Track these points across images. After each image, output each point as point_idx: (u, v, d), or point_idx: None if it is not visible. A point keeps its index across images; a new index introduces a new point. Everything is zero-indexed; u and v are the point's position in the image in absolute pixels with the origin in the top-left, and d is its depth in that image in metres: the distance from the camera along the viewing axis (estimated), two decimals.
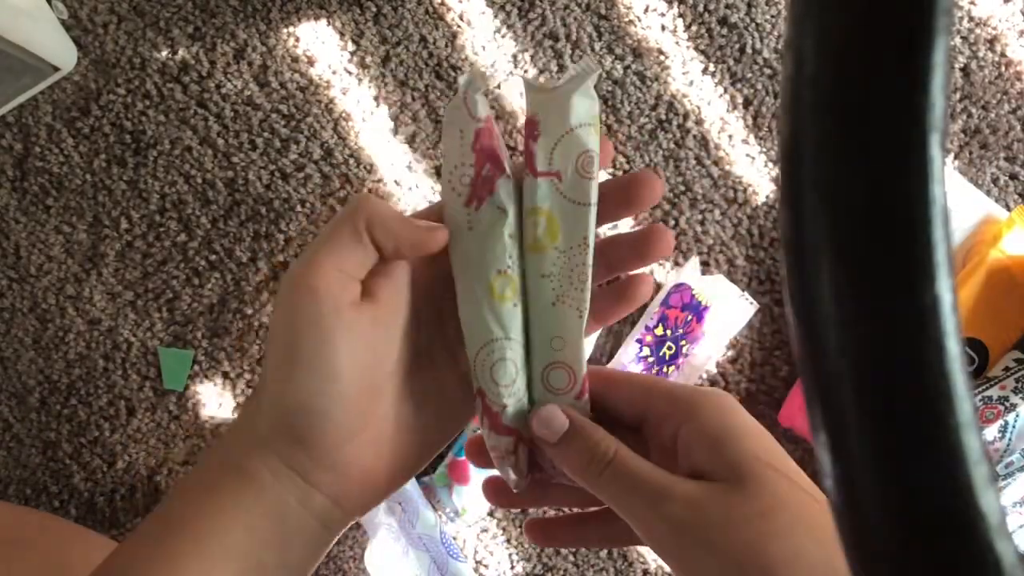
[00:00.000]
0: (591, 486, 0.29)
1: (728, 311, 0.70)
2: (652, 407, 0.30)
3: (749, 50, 0.73)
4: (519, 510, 0.72)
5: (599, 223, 0.30)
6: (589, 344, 0.70)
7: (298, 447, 0.28)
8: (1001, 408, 0.62)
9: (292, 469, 0.28)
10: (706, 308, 0.68)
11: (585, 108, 0.28)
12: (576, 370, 0.30)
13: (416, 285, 0.31)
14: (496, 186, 0.29)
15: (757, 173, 0.73)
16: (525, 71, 0.73)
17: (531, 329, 0.30)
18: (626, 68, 0.73)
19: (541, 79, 0.29)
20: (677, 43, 0.73)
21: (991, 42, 0.73)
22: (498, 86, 0.73)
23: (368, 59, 0.73)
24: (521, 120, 0.73)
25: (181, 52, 0.73)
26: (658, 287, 0.72)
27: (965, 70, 0.73)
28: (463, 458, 0.69)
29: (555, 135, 0.28)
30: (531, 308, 0.30)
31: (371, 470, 0.30)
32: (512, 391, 0.30)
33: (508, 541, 0.73)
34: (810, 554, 0.24)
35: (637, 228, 0.30)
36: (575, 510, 0.34)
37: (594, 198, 0.29)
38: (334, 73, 0.73)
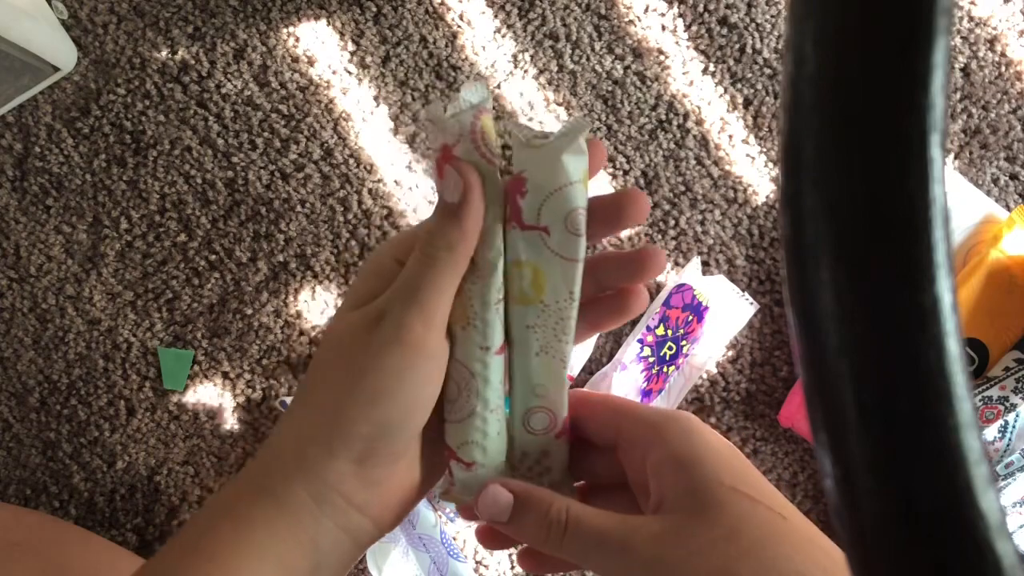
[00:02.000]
0: (556, 553, 0.29)
1: (728, 311, 0.70)
2: (622, 431, 0.30)
3: (749, 50, 0.73)
4: None
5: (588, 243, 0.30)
6: (588, 346, 0.70)
7: (355, 467, 0.28)
8: (1001, 408, 0.62)
9: (337, 491, 0.28)
10: (706, 308, 0.68)
11: (575, 166, 0.27)
12: (557, 413, 0.31)
13: None
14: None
15: (757, 173, 0.73)
16: (525, 71, 0.73)
17: (514, 375, 0.30)
18: (626, 68, 0.73)
19: (530, 127, 0.28)
20: (677, 43, 0.73)
21: (991, 42, 0.73)
22: (498, 86, 0.73)
23: (368, 59, 0.73)
24: (521, 119, 0.73)
25: (181, 52, 0.73)
26: (659, 287, 0.72)
27: (965, 70, 0.73)
28: None
29: (543, 193, 0.27)
30: (515, 355, 0.30)
31: (404, 487, 0.30)
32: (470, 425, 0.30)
33: None
34: (781, 568, 0.25)
35: (631, 250, 0.30)
36: None
37: (582, 254, 0.28)
38: (334, 73, 0.73)
